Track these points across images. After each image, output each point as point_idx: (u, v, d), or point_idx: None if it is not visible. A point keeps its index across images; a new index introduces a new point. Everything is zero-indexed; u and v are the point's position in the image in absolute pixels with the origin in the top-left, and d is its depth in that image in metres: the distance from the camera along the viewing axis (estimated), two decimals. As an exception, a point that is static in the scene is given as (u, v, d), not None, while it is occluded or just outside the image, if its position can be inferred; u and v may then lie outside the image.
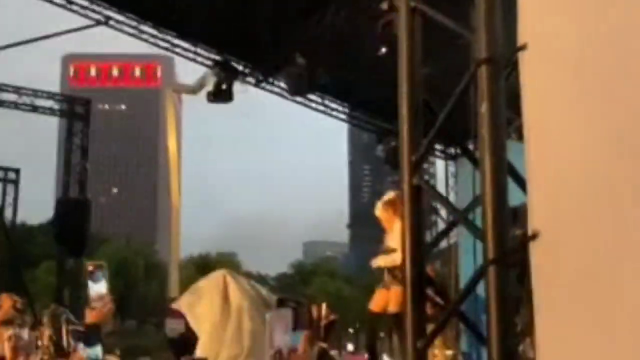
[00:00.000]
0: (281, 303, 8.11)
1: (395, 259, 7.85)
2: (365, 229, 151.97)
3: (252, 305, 7.83)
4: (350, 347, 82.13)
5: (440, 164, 21.75)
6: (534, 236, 2.70)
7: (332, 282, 64.62)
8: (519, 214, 3.61)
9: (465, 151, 3.47)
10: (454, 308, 3.07)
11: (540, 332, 2.61)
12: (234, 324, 7.55)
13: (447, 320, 3.10)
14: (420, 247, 3.06)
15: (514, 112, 3.04)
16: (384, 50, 12.41)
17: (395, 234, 7.81)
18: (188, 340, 9.62)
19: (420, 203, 3.13)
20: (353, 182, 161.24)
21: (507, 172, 2.85)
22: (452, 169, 21.63)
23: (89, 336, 3.00)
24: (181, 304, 8.10)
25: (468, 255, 12.03)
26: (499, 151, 2.82)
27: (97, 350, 2.94)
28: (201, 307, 7.89)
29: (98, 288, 2.91)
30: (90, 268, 2.94)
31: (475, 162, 3.24)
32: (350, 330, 76.64)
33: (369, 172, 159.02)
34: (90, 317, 2.85)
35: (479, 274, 2.83)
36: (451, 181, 21.81)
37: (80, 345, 3.81)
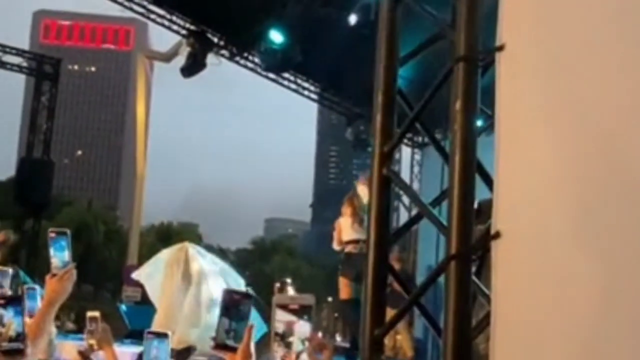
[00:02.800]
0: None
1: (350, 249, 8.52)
2: (327, 210, 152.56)
3: (214, 281, 7.81)
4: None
5: (406, 152, 21.91)
6: (497, 235, 2.74)
7: (292, 261, 64.79)
8: (482, 210, 3.66)
9: (434, 142, 3.49)
10: (413, 299, 3.10)
11: (496, 331, 2.66)
12: (193, 299, 7.54)
13: (407, 310, 3.14)
14: (384, 237, 3.08)
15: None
16: (354, 18, 12.38)
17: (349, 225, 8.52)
18: (144, 310, 9.59)
19: (388, 193, 3.15)
20: (319, 163, 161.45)
21: (475, 170, 2.88)
22: (417, 157, 21.80)
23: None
24: (140, 273, 8.07)
25: (428, 242, 12.22)
26: (470, 149, 2.85)
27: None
28: (160, 279, 7.86)
29: (60, 255, 2.86)
30: (52, 235, 2.89)
31: (445, 155, 3.26)
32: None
33: (336, 153, 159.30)
34: (50, 285, 2.82)
35: (440, 268, 2.87)
36: (416, 169, 21.97)
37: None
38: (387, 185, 3.11)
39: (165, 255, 8.24)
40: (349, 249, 8.48)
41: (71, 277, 2.88)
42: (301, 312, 2.30)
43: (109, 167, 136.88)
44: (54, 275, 2.85)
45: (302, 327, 2.28)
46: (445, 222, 2.90)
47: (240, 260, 70.33)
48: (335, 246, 8.74)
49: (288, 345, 2.27)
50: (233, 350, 2.27)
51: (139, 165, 28.71)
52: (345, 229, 8.50)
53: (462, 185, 2.79)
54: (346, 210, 8.62)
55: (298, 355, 2.28)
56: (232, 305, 2.39)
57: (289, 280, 8.68)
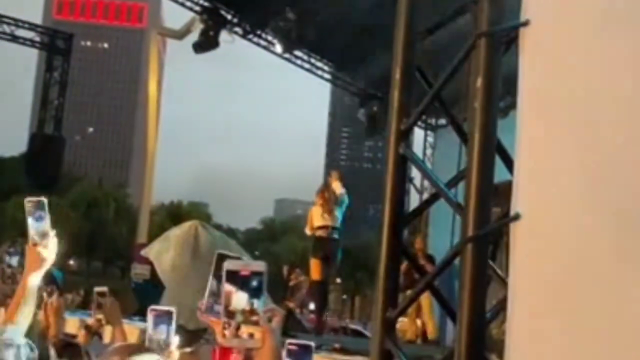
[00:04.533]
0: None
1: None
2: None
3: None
4: (312, 306, 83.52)
5: (418, 134, 21.78)
6: (516, 217, 2.67)
7: (301, 243, 64.93)
8: (500, 191, 3.58)
9: (453, 121, 3.42)
10: (427, 282, 3.04)
11: (513, 317, 2.60)
12: (201, 278, 7.52)
13: (420, 294, 3.09)
14: (399, 217, 3.02)
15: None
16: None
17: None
18: (153, 287, 9.60)
19: (403, 173, 3.08)
20: (330, 144, 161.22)
21: (495, 149, 2.81)
22: (430, 139, 21.67)
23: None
24: (150, 251, 8.05)
25: (439, 226, 12.12)
26: (490, 128, 2.77)
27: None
28: (169, 257, 7.84)
29: (39, 225, 2.81)
30: (30, 204, 2.83)
31: (463, 135, 3.19)
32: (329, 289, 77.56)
33: (348, 135, 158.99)
34: (31, 254, 2.78)
35: (457, 250, 2.81)
36: (428, 152, 21.85)
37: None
38: (403, 164, 3.04)
39: (175, 232, 8.22)
40: (319, 233, 9.37)
41: (52, 247, 2.83)
42: (251, 278, 2.23)
43: (120, 145, 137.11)
44: (35, 244, 2.80)
45: (240, 298, 2.21)
46: (461, 203, 2.84)
47: (249, 240, 70.54)
48: (307, 231, 9.62)
49: (230, 315, 2.20)
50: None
51: (150, 144, 28.74)
52: (316, 217, 9.41)
53: (480, 165, 2.73)
54: (318, 201, 9.52)
55: (238, 326, 2.21)
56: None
57: (298, 270, 8.77)
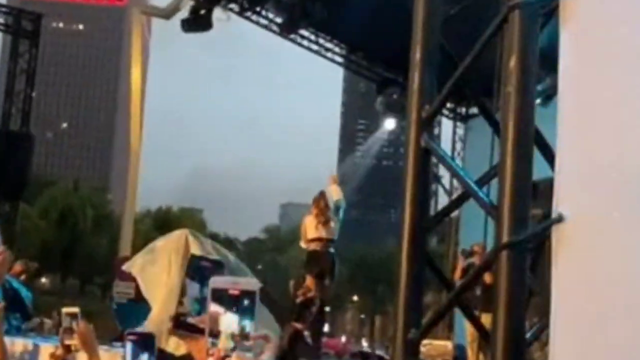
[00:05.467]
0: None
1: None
2: (354, 194, 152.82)
3: (219, 274, 7.81)
4: (325, 328, 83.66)
5: (447, 125, 21.76)
6: (559, 220, 2.65)
7: (312, 253, 65.29)
8: (540, 190, 3.57)
9: (481, 109, 3.40)
10: (454, 297, 3.03)
11: (556, 338, 2.59)
12: (194, 295, 7.52)
13: (448, 310, 3.08)
14: (421, 222, 3.01)
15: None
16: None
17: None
18: (138, 308, 9.61)
19: (426, 169, 3.07)
20: (344, 138, 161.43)
21: (534, 141, 2.80)
22: (460, 131, 21.65)
23: None
24: (132, 265, 8.08)
25: (471, 231, 12.07)
26: (527, 115, 2.76)
27: None
28: (156, 271, 7.86)
29: None
30: None
31: (495, 125, 3.18)
32: (327, 309, 77.75)
33: (364, 127, 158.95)
34: None
35: (490, 259, 2.79)
36: (458, 146, 21.83)
37: None
38: (426, 158, 3.03)
39: (161, 243, 8.23)
40: (312, 246, 9.81)
41: (4, 262, 2.85)
42: (242, 298, 2.22)
43: (99, 143, 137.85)
44: None
45: (229, 320, 2.20)
46: (495, 204, 2.82)
47: (250, 252, 70.72)
48: (303, 244, 10.08)
49: (216, 337, 2.19)
50: (198, 331, 2.23)
51: (133, 141, 28.81)
52: (310, 228, 9.84)
53: (516, 160, 2.71)
54: (312, 210, 9.99)
55: (225, 355, 2.19)
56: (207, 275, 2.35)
57: (307, 286, 8.87)
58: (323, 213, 9.79)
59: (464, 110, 20.62)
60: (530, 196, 2.77)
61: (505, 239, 2.71)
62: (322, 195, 10.03)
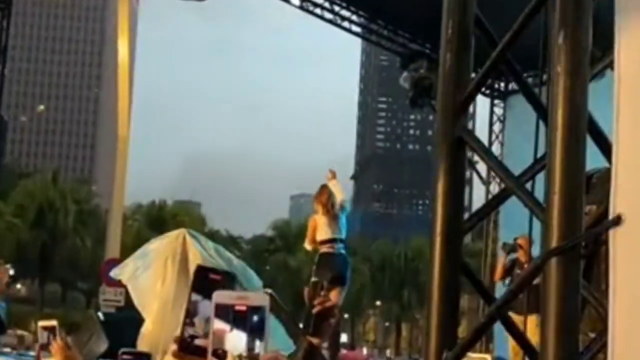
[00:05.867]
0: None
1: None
2: (374, 183, 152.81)
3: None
4: (344, 337, 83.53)
5: (483, 102, 21.71)
6: (617, 221, 2.64)
7: (327, 253, 65.36)
8: (594, 183, 3.56)
9: (525, 91, 3.39)
10: (496, 310, 3.02)
11: (615, 348, 2.58)
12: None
13: (488, 327, 3.07)
14: (456, 225, 3.00)
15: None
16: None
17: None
18: (129, 319, 9.65)
19: (460, 162, 3.06)
20: (363, 120, 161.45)
21: (586, 128, 2.78)
22: (498, 110, 21.59)
23: None
24: (122, 272, 8.09)
25: (512, 229, 12.01)
26: (579, 100, 2.74)
27: None
28: (149, 279, 7.88)
29: None
30: None
31: (540, 109, 3.17)
32: (346, 316, 77.73)
33: (387, 106, 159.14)
34: None
35: (537, 267, 2.78)
36: (496, 127, 21.77)
37: None
38: (459, 150, 3.01)
39: (155, 246, 8.25)
40: (324, 249, 9.95)
41: None
42: (250, 314, 2.23)
43: (82, 127, 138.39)
44: None
45: (235, 340, 2.20)
46: (542, 202, 2.81)
47: (257, 252, 70.77)
48: (307, 245, 10.25)
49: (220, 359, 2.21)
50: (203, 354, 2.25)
51: (121, 125, 28.89)
52: (321, 227, 9.96)
53: (566, 151, 2.69)
54: (319, 208, 10.11)
55: None
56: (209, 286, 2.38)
57: (324, 292, 8.95)
58: (329, 209, 9.95)
59: (502, 85, 20.56)
60: (584, 194, 2.76)
61: (554, 243, 2.70)
62: (323, 189, 10.14)
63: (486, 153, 3.02)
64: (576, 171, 2.70)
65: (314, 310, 8.91)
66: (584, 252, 2.98)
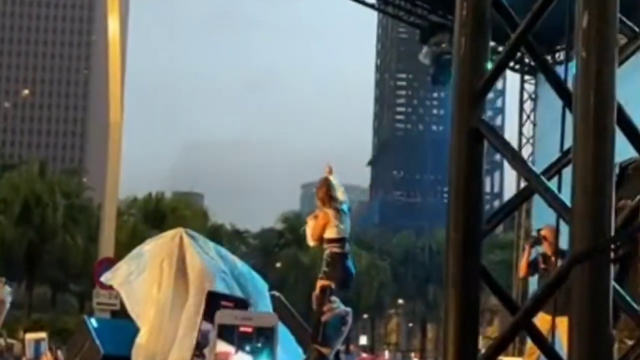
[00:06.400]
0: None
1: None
2: (393, 169, 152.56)
3: (223, 282, 7.84)
4: (363, 340, 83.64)
5: (513, 78, 21.63)
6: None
7: (343, 247, 65.37)
8: (630, 176, 3.57)
9: (548, 75, 3.40)
10: (521, 319, 3.02)
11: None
12: (193, 312, 7.57)
13: (513, 337, 3.07)
14: (473, 228, 3.00)
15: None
16: None
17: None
18: (124, 326, 9.69)
19: (477, 157, 3.06)
20: (381, 99, 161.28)
21: (614, 117, 2.78)
22: (529, 86, 21.52)
23: None
24: (114, 276, 8.14)
25: (545, 218, 12.14)
26: (606, 84, 2.73)
27: None
28: (144, 284, 7.91)
29: None
30: None
31: (564, 93, 3.17)
32: (365, 316, 77.75)
33: (406, 84, 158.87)
34: None
35: (561, 274, 2.79)
36: (528, 106, 21.72)
37: None
38: (477, 143, 3.01)
39: (149, 247, 8.27)
40: (335, 249, 10.04)
41: None
42: (256, 335, 2.26)
43: (71, 113, 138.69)
44: None
45: None
46: (568, 202, 2.81)
47: (265, 247, 70.91)
48: (311, 242, 10.32)
49: None
50: None
51: (113, 110, 28.95)
52: (332, 225, 10.05)
53: (593, 145, 2.68)
54: (330, 203, 10.15)
55: None
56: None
57: (334, 298, 9.01)
58: (330, 204, 10.10)
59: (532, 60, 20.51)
60: (613, 191, 2.76)
61: (579, 246, 2.69)
62: (324, 182, 10.31)
63: (505, 147, 3.01)
64: (604, 167, 2.70)
65: (323, 318, 8.98)
66: (618, 253, 2.98)
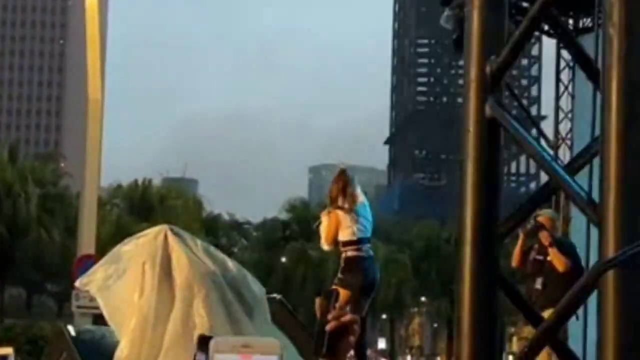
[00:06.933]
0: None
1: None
2: (415, 147, 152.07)
3: (214, 286, 7.83)
4: (381, 343, 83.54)
5: (549, 44, 21.47)
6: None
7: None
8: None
9: (576, 54, 3.41)
10: (547, 331, 3.04)
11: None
12: (180, 321, 7.57)
13: (536, 353, 3.09)
14: (491, 228, 3.01)
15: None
16: None
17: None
18: (106, 333, 9.72)
19: (495, 150, 3.06)
20: (400, 68, 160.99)
21: (648, 105, 2.78)
22: (566, 54, 21.42)
23: None
24: (90, 281, 8.12)
25: (575, 232, 12.11)
26: (637, 69, 2.73)
27: None
28: (124, 289, 7.90)
29: None
30: None
31: (591, 69, 3.18)
32: (384, 317, 77.62)
33: (428, 51, 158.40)
34: None
35: (590, 281, 2.79)
36: (565, 76, 21.65)
37: None
38: (493, 134, 3.00)
39: (129, 247, 8.24)
40: (351, 252, 10.08)
41: None
42: None
43: (45, 90, 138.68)
44: None
45: None
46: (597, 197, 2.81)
47: (267, 240, 70.71)
48: (325, 245, 10.36)
49: None
50: None
51: (91, 86, 28.93)
52: (344, 226, 10.05)
53: (623, 135, 2.68)
54: (342, 200, 10.08)
55: None
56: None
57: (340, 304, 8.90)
58: (347, 202, 10.03)
59: (571, 22, 20.41)
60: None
61: (611, 252, 2.70)
62: (341, 176, 10.26)
63: (525, 139, 3.00)
64: (637, 160, 2.69)
65: (328, 328, 8.99)
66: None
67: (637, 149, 2.70)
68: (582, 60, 3.16)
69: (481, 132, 2.97)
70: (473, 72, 2.97)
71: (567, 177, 2.88)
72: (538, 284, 10.16)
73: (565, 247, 10.74)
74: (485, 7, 3.06)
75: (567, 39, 3.22)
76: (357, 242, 10.08)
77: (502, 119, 2.93)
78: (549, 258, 10.41)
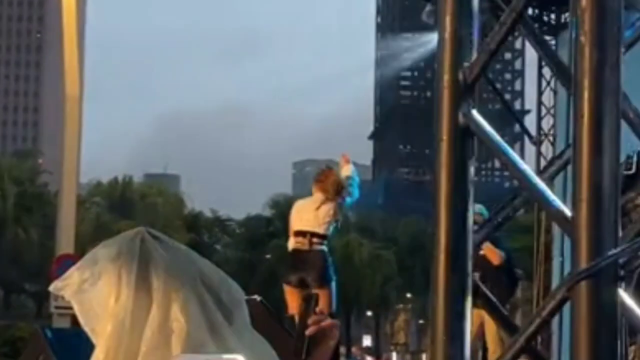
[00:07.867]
0: None
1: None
2: (400, 142, 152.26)
3: (193, 291, 7.83)
4: (367, 340, 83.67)
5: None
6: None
7: (342, 234, 65.06)
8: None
9: (548, 56, 3.42)
10: (526, 342, 3.06)
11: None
12: (157, 327, 7.54)
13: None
14: (464, 237, 3.02)
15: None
16: None
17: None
18: (85, 337, 9.69)
19: (467, 157, 3.07)
20: (384, 62, 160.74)
21: (620, 113, 2.80)
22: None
23: None
24: (65, 285, 8.07)
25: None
26: (609, 77, 2.75)
27: None
28: (99, 293, 7.87)
29: None
30: None
31: (562, 70, 3.21)
32: (369, 314, 77.80)
33: (409, 43, 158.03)
34: None
35: (563, 295, 2.81)
36: (548, 71, 21.66)
37: None
38: (466, 143, 3.01)
39: (105, 251, 8.24)
40: (295, 244, 10.06)
41: None
42: None
43: (22, 85, 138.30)
44: None
45: None
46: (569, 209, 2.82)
47: (251, 237, 70.75)
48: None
49: None
50: None
51: (69, 81, 28.85)
52: (303, 213, 10.11)
53: (595, 144, 2.70)
54: (318, 193, 10.15)
55: None
56: None
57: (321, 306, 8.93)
58: (337, 191, 10.08)
59: (553, 17, 20.45)
60: (619, 198, 2.77)
61: (583, 263, 2.71)
62: (330, 172, 10.39)
63: (499, 146, 3.02)
64: (609, 171, 2.71)
65: (307, 332, 9.02)
66: (630, 267, 2.99)
67: (610, 160, 2.71)
68: (554, 63, 3.17)
69: (455, 142, 2.96)
70: (446, 79, 2.97)
71: (541, 187, 2.90)
72: (476, 279, 10.23)
73: (496, 241, 10.89)
74: (458, 12, 3.06)
75: (544, 51, 3.23)
76: (302, 235, 10.07)
77: (475, 126, 2.93)
78: (482, 253, 10.50)
